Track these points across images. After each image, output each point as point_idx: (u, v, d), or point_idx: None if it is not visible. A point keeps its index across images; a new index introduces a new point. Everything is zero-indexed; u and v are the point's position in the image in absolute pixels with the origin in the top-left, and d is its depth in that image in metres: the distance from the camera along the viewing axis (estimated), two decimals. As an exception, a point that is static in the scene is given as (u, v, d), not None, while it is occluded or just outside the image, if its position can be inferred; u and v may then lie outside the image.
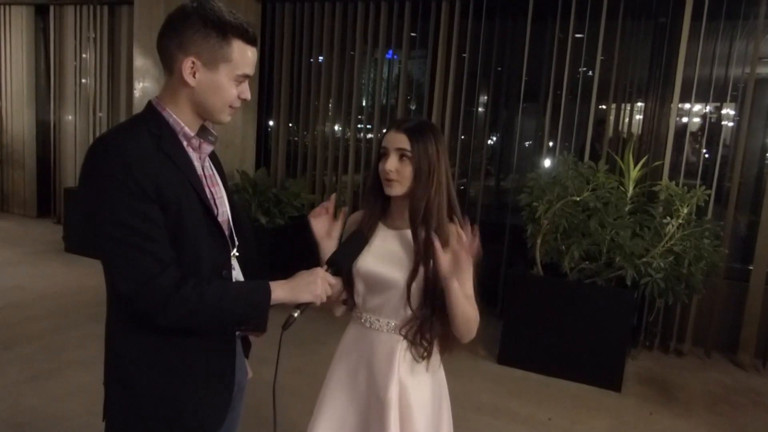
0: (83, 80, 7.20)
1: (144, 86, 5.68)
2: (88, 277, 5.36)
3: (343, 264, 1.59)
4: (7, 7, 7.54)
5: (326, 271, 1.54)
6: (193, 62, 1.36)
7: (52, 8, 7.21)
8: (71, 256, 6.05)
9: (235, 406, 1.64)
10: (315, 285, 1.46)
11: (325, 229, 1.71)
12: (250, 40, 1.41)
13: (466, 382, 3.83)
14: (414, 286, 1.63)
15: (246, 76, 1.42)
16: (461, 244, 1.52)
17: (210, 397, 1.48)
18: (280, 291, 1.43)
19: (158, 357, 1.42)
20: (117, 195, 1.27)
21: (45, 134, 7.64)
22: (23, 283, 5.19)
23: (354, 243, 1.67)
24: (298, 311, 1.48)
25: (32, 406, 3.20)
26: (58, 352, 3.86)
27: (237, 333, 1.60)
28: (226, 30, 1.36)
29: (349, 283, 1.75)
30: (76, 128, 7.26)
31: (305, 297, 1.46)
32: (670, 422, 3.57)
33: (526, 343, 4.12)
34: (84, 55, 7.15)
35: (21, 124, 7.69)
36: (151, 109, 1.42)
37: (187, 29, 1.35)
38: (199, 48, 1.35)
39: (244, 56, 1.40)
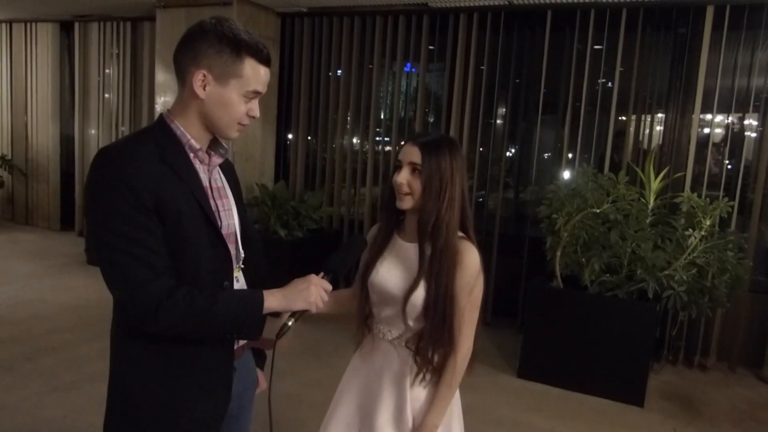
0: (106, 95, 7.32)
1: (165, 101, 5.76)
2: (109, 289, 5.40)
3: (338, 269, 1.59)
4: (33, 24, 7.72)
5: (322, 277, 1.53)
6: (204, 75, 1.39)
7: (76, 25, 7.36)
8: (94, 268, 6.08)
9: (240, 417, 1.65)
10: (308, 292, 1.46)
11: None
12: (263, 60, 1.44)
13: (486, 396, 3.79)
14: (414, 299, 1.63)
15: (257, 94, 1.45)
16: None
17: (204, 407, 1.48)
18: (273, 299, 1.43)
19: (153, 363, 1.43)
20: (114, 204, 1.30)
21: (69, 148, 7.77)
22: (46, 296, 5.26)
23: (350, 249, 1.67)
24: (293, 319, 1.48)
25: (53, 418, 3.23)
26: (80, 364, 3.90)
27: (244, 343, 1.60)
28: (240, 48, 1.39)
29: (365, 295, 1.77)
30: (99, 142, 7.36)
31: (299, 305, 1.46)
32: (694, 438, 3.51)
33: (547, 356, 4.08)
34: (107, 71, 7.28)
35: (45, 138, 7.84)
36: (161, 121, 1.46)
37: (202, 44, 1.39)
38: (211, 62, 1.38)
39: (256, 74, 1.43)
